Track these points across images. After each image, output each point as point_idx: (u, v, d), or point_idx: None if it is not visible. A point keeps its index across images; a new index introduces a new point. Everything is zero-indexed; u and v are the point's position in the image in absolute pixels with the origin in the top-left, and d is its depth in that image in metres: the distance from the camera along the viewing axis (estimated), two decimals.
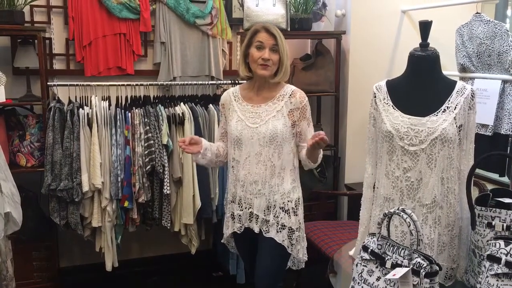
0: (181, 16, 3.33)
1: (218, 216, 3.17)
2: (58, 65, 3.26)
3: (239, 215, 2.23)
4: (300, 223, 2.24)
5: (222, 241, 2.40)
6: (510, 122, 2.65)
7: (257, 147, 2.16)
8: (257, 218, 2.19)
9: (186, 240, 3.16)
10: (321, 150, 2.20)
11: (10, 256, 2.26)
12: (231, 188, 2.27)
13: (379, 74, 3.26)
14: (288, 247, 2.19)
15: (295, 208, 2.22)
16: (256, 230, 2.19)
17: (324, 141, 1.98)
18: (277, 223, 2.17)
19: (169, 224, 3.08)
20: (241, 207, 2.22)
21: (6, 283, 2.20)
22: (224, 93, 2.35)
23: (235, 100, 2.26)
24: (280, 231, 2.17)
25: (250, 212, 2.20)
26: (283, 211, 2.18)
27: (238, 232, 2.24)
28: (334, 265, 2.08)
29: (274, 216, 2.17)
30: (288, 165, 2.21)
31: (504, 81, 2.69)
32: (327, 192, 3.53)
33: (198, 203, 3.03)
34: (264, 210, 2.18)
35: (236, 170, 2.22)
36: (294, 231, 2.20)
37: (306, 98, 2.23)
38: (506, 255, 1.42)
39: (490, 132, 2.73)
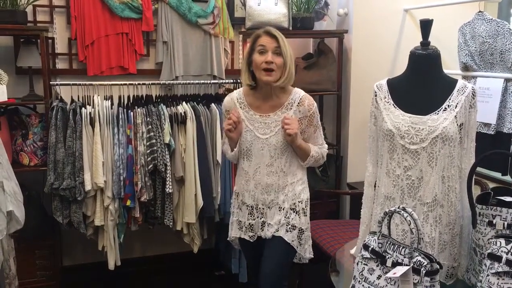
0: (183, 15, 3.34)
1: (220, 215, 3.17)
2: (60, 64, 3.27)
3: (251, 224, 2.22)
4: (308, 223, 2.26)
5: (228, 239, 2.40)
6: None
7: (267, 159, 2.15)
8: (270, 225, 2.19)
9: (188, 239, 3.16)
10: (320, 157, 2.23)
11: (13, 254, 2.27)
12: (240, 196, 2.26)
13: (381, 73, 3.25)
14: (297, 247, 2.20)
15: (305, 208, 2.23)
16: (269, 236, 2.18)
17: (285, 125, 2.06)
18: (287, 224, 2.17)
19: (171, 223, 3.08)
20: (253, 216, 2.21)
21: (9, 282, 2.20)
22: (227, 97, 2.30)
23: (240, 107, 2.21)
24: (290, 231, 2.18)
25: (263, 221, 2.20)
26: (294, 212, 2.19)
27: (251, 240, 2.23)
28: (336, 264, 2.08)
29: (285, 217, 2.17)
30: (298, 169, 2.22)
31: (507, 80, 2.68)
32: (329, 191, 3.53)
33: (200, 202, 3.04)
34: (279, 218, 2.18)
35: (245, 180, 2.21)
36: (303, 231, 2.21)
37: (315, 105, 2.21)
38: (507, 253, 1.41)
39: (493, 131, 2.73)
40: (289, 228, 2.17)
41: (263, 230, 2.20)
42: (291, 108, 2.16)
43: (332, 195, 3.61)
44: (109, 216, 2.94)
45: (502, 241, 1.44)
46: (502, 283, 1.41)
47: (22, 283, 2.65)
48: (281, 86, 2.14)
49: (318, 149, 2.23)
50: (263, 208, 2.19)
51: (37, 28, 3.06)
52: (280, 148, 2.13)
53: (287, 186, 2.18)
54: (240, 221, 2.25)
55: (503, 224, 1.58)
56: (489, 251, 1.46)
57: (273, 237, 2.18)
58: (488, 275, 1.44)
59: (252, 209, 2.21)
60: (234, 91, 2.34)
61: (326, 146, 2.31)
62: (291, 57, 2.11)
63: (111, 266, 3.01)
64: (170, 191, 2.99)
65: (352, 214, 3.54)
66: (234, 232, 2.29)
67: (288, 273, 2.33)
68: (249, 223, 2.22)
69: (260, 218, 2.20)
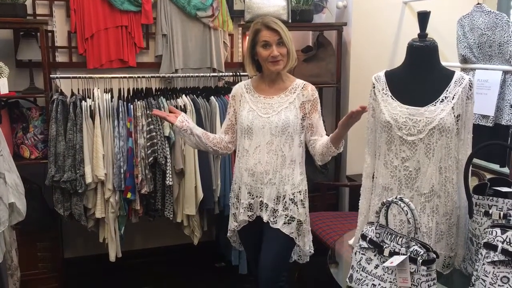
0: (182, 8, 3.34)
1: (220, 207, 3.19)
2: (60, 57, 3.28)
3: (250, 204, 2.24)
4: (307, 215, 2.27)
5: (227, 235, 2.42)
6: (511, 113, 2.65)
7: (268, 137, 2.17)
8: (267, 207, 2.20)
9: (189, 231, 3.18)
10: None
11: (15, 246, 2.30)
12: (239, 177, 2.27)
13: (380, 66, 3.22)
14: (296, 238, 2.22)
15: (303, 200, 2.25)
16: (265, 219, 2.20)
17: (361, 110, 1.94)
18: (286, 215, 2.19)
19: (171, 215, 3.10)
20: (252, 195, 2.23)
21: (11, 273, 2.23)
22: (236, 85, 2.37)
23: (247, 92, 2.28)
24: (289, 223, 2.19)
25: (261, 201, 2.22)
26: (292, 202, 2.20)
27: (250, 220, 2.25)
28: (335, 255, 2.10)
29: (283, 207, 2.19)
30: (298, 157, 2.23)
31: (505, 72, 2.69)
32: (329, 184, 3.55)
33: (200, 194, 3.06)
34: (274, 200, 2.20)
35: (245, 159, 2.22)
36: (302, 223, 2.23)
37: (317, 92, 2.27)
38: (503, 242, 1.43)
39: (491, 123, 2.74)
40: (288, 220, 2.19)
41: (261, 210, 2.22)
42: (294, 92, 2.22)
43: (332, 187, 3.63)
44: (110, 209, 2.96)
45: (498, 230, 1.46)
46: (497, 271, 1.43)
47: (24, 275, 2.68)
48: (287, 70, 2.23)
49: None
50: (261, 188, 2.20)
51: (37, 21, 3.07)
52: (280, 126, 2.16)
53: (285, 168, 2.19)
54: (243, 203, 2.26)
55: (499, 214, 1.60)
56: (485, 240, 1.48)
57: (272, 229, 2.19)
58: (484, 264, 1.46)
59: (251, 188, 2.23)
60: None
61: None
62: (291, 41, 2.18)
63: (112, 258, 3.04)
64: (170, 183, 3.01)
65: (351, 206, 3.56)
66: (232, 224, 2.32)
67: (288, 265, 2.35)
68: (248, 203, 2.24)
69: (259, 198, 2.22)
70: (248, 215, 2.25)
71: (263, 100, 2.23)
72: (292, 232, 2.20)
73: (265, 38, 2.14)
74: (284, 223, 2.18)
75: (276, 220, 2.19)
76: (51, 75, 3.01)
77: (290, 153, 2.19)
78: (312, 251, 2.33)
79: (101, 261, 3.20)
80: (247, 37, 2.25)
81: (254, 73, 2.27)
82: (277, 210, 2.19)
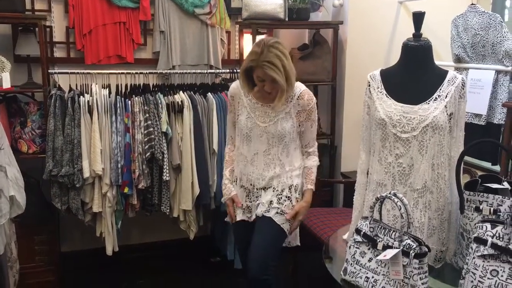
0: (180, 5, 3.37)
1: (216, 203, 3.22)
2: (58, 53, 3.30)
3: (248, 206, 2.31)
4: None
5: (226, 219, 2.46)
6: (503, 112, 2.70)
7: (265, 145, 2.23)
8: (262, 204, 2.26)
9: (185, 225, 3.22)
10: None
11: (14, 238, 2.32)
12: (237, 179, 2.34)
13: (376, 64, 3.25)
14: (287, 230, 2.27)
15: (298, 197, 2.32)
16: (260, 214, 2.25)
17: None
18: (278, 208, 2.24)
19: (168, 210, 3.13)
20: (250, 199, 2.30)
21: (10, 265, 2.26)
22: (233, 84, 2.35)
23: (244, 95, 2.29)
24: (282, 214, 2.25)
25: (258, 203, 2.27)
26: (288, 199, 2.27)
27: (249, 221, 2.30)
28: (329, 250, 2.13)
29: (278, 201, 2.25)
30: (297, 160, 2.29)
31: (498, 72, 2.74)
32: (324, 180, 3.58)
33: (197, 190, 3.09)
34: (271, 198, 2.26)
35: (243, 164, 2.29)
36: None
37: (314, 100, 2.28)
38: (492, 237, 1.47)
39: (483, 121, 2.79)
40: (280, 211, 2.24)
41: (258, 210, 2.28)
42: (291, 101, 2.24)
43: (326, 184, 3.67)
44: (107, 203, 2.98)
45: (488, 225, 1.50)
46: (487, 265, 1.48)
47: (21, 268, 2.68)
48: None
49: (310, 166, 2.34)
50: (258, 192, 2.28)
51: (35, 16, 3.07)
52: (277, 136, 2.21)
53: (282, 173, 2.25)
54: (242, 204, 2.32)
55: (489, 209, 1.64)
56: (475, 235, 1.52)
57: (264, 217, 2.24)
58: (474, 257, 1.51)
59: (249, 192, 2.29)
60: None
61: (316, 144, 2.37)
62: (289, 76, 2.11)
63: (109, 252, 3.06)
64: (167, 178, 3.03)
65: (346, 203, 3.60)
66: (239, 216, 2.35)
67: (277, 257, 2.38)
68: (247, 205, 2.31)
69: (256, 202, 2.29)
70: (247, 216, 2.31)
71: (260, 108, 2.25)
72: (284, 223, 2.25)
73: (259, 75, 2.11)
74: (277, 213, 2.24)
75: (269, 209, 2.24)
76: (49, 70, 3.02)
77: (288, 159, 2.27)
78: (298, 243, 2.42)
79: (98, 255, 3.23)
80: (244, 59, 2.24)
81: (249, 90, 2.22)
82: (272, 202, 2.25)
